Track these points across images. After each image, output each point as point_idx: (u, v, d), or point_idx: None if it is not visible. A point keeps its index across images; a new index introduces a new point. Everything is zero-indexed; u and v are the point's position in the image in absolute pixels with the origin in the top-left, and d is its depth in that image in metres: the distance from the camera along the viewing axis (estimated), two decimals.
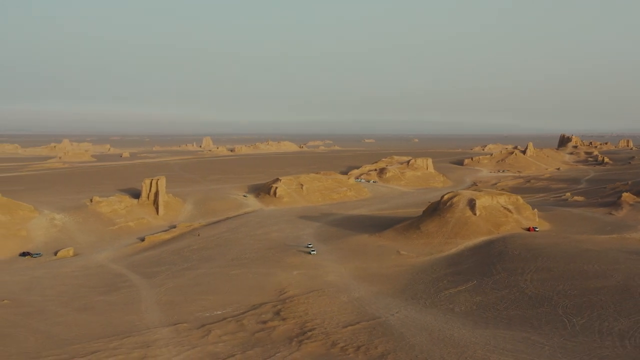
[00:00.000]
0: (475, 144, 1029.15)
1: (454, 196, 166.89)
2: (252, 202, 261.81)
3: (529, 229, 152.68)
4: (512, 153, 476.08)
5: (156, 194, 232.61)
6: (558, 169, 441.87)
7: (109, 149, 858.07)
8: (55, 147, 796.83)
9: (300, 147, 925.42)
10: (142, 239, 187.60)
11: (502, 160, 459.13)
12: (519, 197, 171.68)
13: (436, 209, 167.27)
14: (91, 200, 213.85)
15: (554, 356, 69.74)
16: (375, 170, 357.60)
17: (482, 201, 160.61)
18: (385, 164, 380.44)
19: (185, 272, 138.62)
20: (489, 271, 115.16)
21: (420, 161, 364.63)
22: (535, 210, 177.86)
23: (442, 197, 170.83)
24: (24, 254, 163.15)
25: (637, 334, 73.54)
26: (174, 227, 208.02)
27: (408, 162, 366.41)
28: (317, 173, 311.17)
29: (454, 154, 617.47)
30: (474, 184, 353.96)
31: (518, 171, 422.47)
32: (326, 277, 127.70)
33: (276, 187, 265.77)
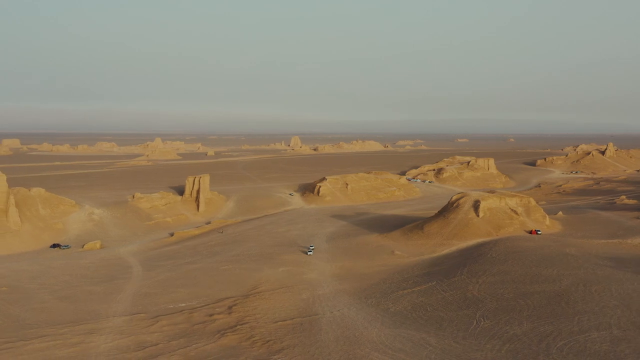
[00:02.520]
0: (571, 143, 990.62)
1: (461, 197, 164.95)
2: (296, 201, 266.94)
3: (531, 232, 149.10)
4: (589, 154, 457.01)
5: (198, 191, 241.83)
6: (638, 170, 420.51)
7: (199, 148, 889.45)
8: (148, 145, 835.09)
9: (385, 147, 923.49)
10: (172, 234, 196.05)
11: (577, 161, 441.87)
12: (531, 199, 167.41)
13: (445, 209, 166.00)
14: (133, 197, 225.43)
15: (428, 357, 70.09)
16: (434, 170, 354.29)
17: (488, 203, 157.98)
18: (446, 164, 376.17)
19: (184, 266, 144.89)
20: (454, 273, 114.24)
21: (481, 161, 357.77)
22: (560, 212, 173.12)
23: (452, 197, 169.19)
24: (54, 246, 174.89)
25: (525, 339, 72.40)
26: (209, 223, 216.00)
27: (468, 162, 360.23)
28: (368, 172, 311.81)
29: (537, 154, 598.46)
30: (538, 185, 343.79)
31: (592, 172, 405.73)
32: (307, 274, 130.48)
33: (320, 186, 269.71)
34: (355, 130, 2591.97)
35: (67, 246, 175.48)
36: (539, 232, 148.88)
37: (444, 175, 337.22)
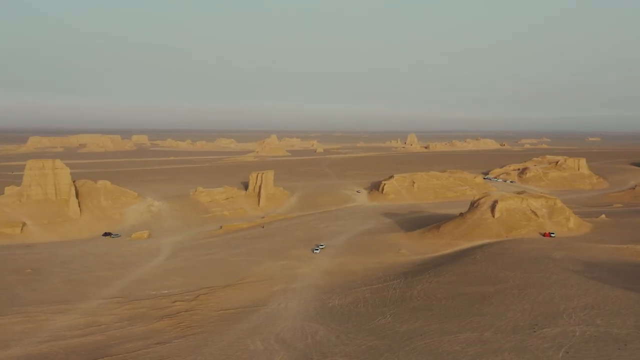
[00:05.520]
0: None
1: (482, 197, 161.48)
2: (361, 198, 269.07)
3: (544, 235, 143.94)
4: None
5: (261, 187, 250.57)
6: None
7: (313, 145, 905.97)
8: (263, 142, 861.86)
9: (501, 145, 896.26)
10: (220, 227, 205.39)
11: None
12: (557, 200, 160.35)
13: (468, 209, 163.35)
14: (195, 190, 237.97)
15: (297, 349, 72.94)
16: (518, 169, 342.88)
17: (507, 203, 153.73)
18: (534, 163, 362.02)
19: (201, 256, 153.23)
20: (423, 272, 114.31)
21: (570, 161, 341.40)
22: (603, 215, 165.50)
23: (474, 197, 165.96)
24: (105, 234, 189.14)
25: (397, 337, 73.03)
26: (263, 217, 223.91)
27: (557, 162, 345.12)
28: (443, 171, 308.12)
29: None
30: (634, 187, 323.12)
31: None
32: (301, 269, 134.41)
33: (384, 184, 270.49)
34: (494, 128, 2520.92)
35: (117, 235, 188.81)
36: (552, 235, 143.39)
37: (528, 175, 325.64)
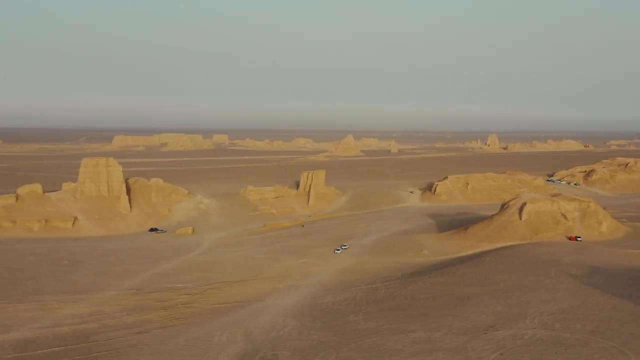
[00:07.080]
0: None
1: (513, 199, 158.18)
2: (413, 198, 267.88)
3: (570, 238, 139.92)
4: None
5: (311, 186, 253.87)
6: None
7: (389, 145, 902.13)
8: (339, 142, 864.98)
9: (585, 147, 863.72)
10: (264, 225, 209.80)
11: None
12: (591, 203, 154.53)
13: (498, 211, 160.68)
14: (246, 189, 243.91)
15: (254, 341, 75.01)
16: (584, 172, 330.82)
17: (536, 206, 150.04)
18: (603, 165, 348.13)
19: (231, 253, 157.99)
20: (427, 272, 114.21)
21: None
22: None
23: (505, 199, 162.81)
24: (152, 230, 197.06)
25: (353, 334, 74.04)
26: (310, 216, 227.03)
27: (626, 164, 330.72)
28: (502, 172, 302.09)
29: None
30: None
31: None
32: (318, 267, 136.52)
33: (437, 185, 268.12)
34: (587, 129, 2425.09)
35: (162, 231, 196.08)
36: (579, 239, 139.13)
37: (594, 177, 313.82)
